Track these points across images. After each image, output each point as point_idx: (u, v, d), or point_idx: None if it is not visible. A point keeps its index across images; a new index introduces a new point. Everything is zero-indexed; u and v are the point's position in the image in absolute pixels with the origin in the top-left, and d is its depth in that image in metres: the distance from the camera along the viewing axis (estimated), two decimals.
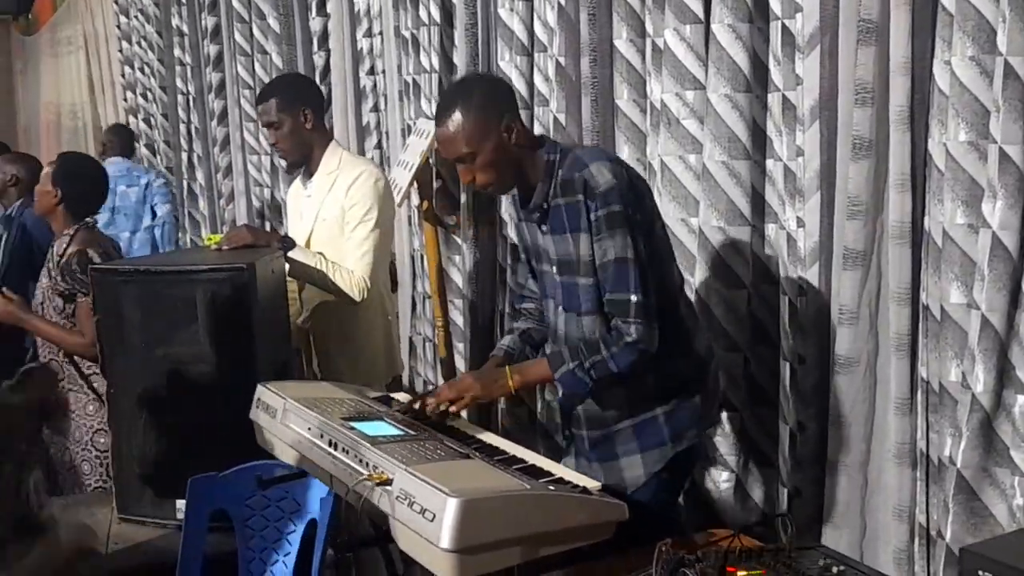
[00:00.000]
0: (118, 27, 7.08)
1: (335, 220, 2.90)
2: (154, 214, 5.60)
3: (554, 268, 2.16)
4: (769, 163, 2.73)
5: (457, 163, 2.12)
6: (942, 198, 2.27)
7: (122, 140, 5.81)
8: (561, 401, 2.26)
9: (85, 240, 3.01)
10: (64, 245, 2.98)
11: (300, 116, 2.89)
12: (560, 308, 2.19)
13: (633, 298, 2.02)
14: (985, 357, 2.18)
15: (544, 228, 2.15)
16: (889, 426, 2.45)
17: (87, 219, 3.09)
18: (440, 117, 2.10)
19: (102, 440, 2.91)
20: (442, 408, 2.13)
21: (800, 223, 2.56)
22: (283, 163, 3.74)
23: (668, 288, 2.17)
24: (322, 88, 4.61)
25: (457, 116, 2.06)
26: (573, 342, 2.16)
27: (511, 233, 3.44)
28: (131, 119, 6.99)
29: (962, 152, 2.21)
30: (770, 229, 2.77)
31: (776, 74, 2.64)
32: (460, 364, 3.78)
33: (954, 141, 2.21)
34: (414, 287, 4.19)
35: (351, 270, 2.86)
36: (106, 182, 3.26)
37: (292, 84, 3.15)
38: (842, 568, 1.69)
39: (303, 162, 3.02)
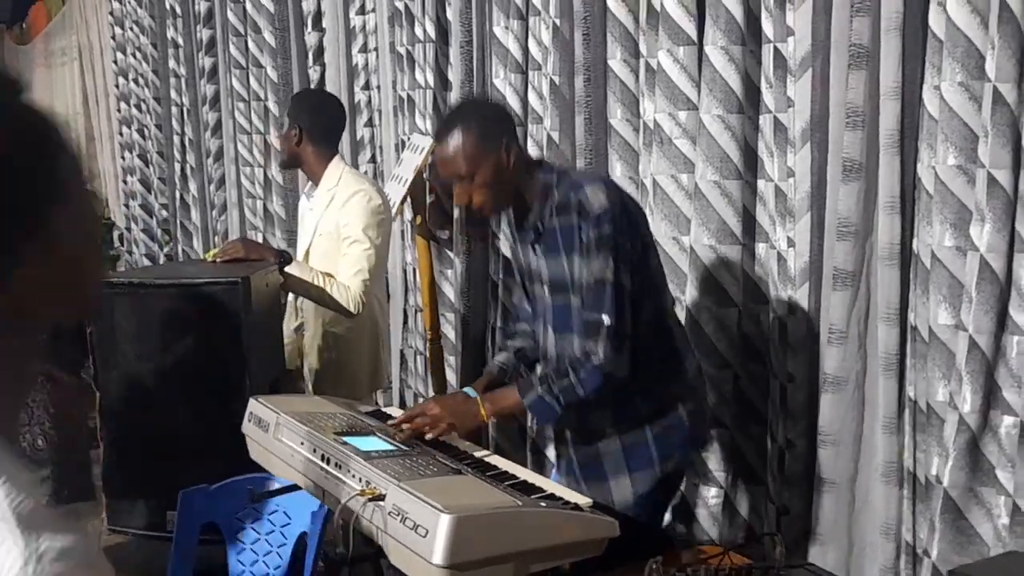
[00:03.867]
0: (113, 38, 7.09)
1: (331, 235, 2.93)
2: None
3: (546, 289, 2.18)
4: (760, 183, 2.76)
5: (454, 183, 2.14)
6: (931, 221, 2.30)
7: None
8: (535, 425, 2.27)
9: None
10: None
11: (292, 128, 2.97)
12: (551, 328, 2.21)
13: (605, 320, 2.03)
14: (972, 378, 2.20)
15: (538, 248, 2.17)
16: (877, 445, 2.47)
17: None
18: (440, 138, 2.12)
19: None
20: (425, 433, 2.13)
21: (791, 243, 2.59)
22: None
23: (661, 312, 2.18)
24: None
25: (457, 137, 2.08)
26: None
27: (504, 248, 3.46)
28: (124, 129, 6.99)
29: (951, 176, 2.24)
30: (761, 248, 2.79)
31: (768, 96, 2.67)
32: (451, 377, 3.79)
33: (943, 165, 2.25)
34: (406, 300, 4.20)
35: (347, 285, 2.88)
36: None
37: (305, 100, 3.27)
38: None
39: (290, 167, 3.27)
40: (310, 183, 3.10)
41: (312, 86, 4.76)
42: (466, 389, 2.33)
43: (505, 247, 3.44)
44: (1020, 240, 2.14)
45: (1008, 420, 2.20)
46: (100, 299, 0.99)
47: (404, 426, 2.11)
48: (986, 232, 2.16)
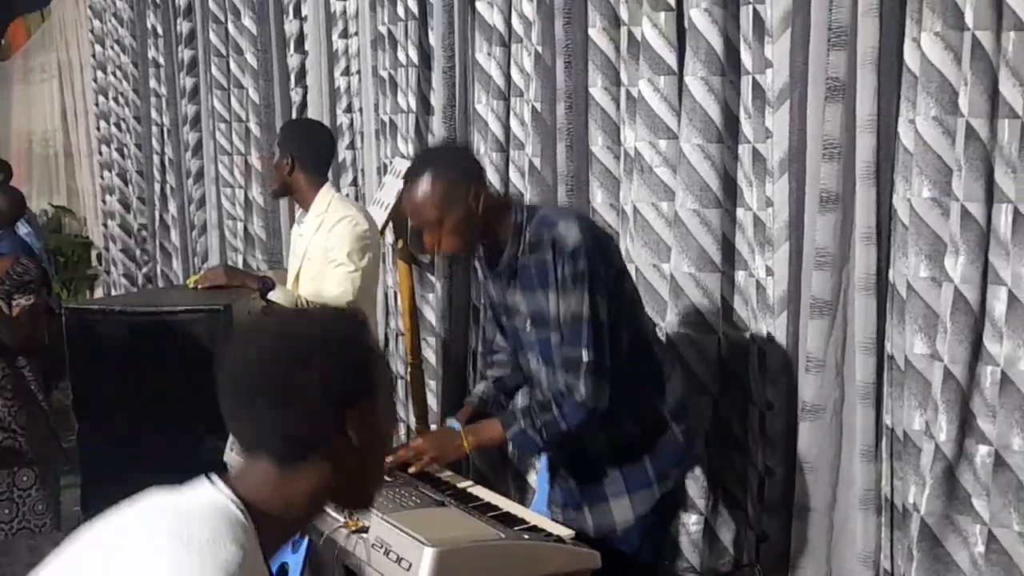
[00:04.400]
0: (93, 56, 7.06)
1: (319, 259, 2.96)
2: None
3: (527, 324, 2.21)
4: (739, 212, 2.79)
5: (423, 229, 2.15)
6: (906, 252, 2.34)
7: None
8: (517, 455, 2.29)
9: None
10: None
11: (284, 158, 2.99)
12: (540, 361, 2.23)
13: (585, 356, 2.06)
14: (948, 407, 2.24)
15: (514, 285, 2.19)
16: (855, 472, 2.50)
17: None
18: (409, 185, 2.14)
19: None
20: (411, 466, 2.15)
21: (769, 271, 2.62)
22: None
23: (640, 335, 2.21)
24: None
25: (425, 185, 2.10)
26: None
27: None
28: (104, 148, 6.96)
29: (926, 208, 2.28)
30: (740, 276, 2.82)
31: (747, 127, 2.71)
32: (432, 402, 3.79)
33: (918, 197, 2.29)
34: (387, 324, 4.20)
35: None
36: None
37: (296, 129, 3.34)
38: None
39: (281, 195, 3.26)
40: (301, 211, 3.12)
41: (294, 108, 4.77)
42: (449, 421, 2.34)
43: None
44: (993, 272, 2.18)
45: (983, 449, 2.24)
46: (374, 497, 1.27)
47: (388, 459, 2.11)
48: (960, 264, 2.19)
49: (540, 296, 2.12)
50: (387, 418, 1.21)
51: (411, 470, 2.10)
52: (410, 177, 2.15)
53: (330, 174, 4.51)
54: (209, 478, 1.14)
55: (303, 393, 1.11)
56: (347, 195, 4.43)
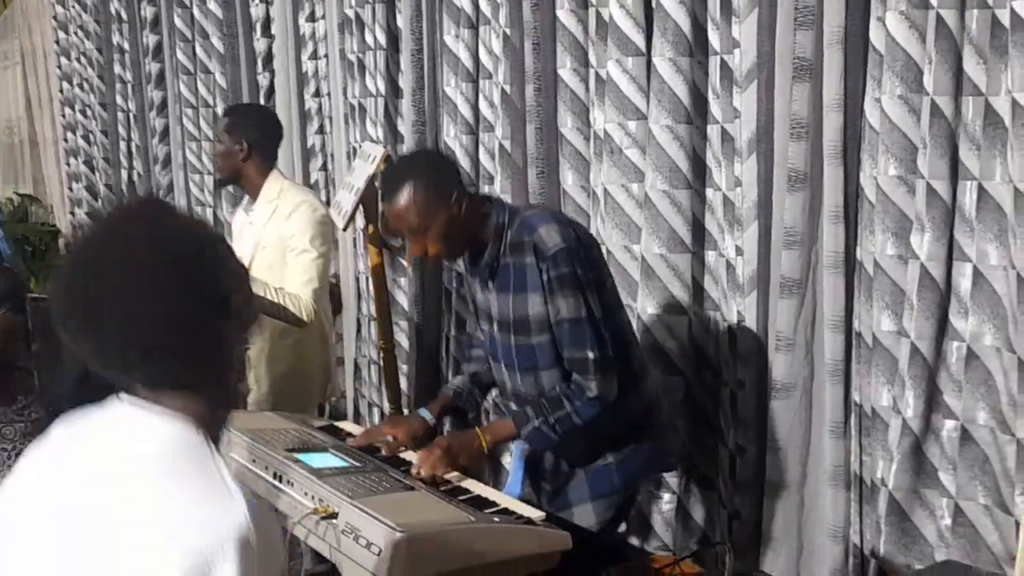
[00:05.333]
0: (56, 43, 6.93)
1: (275, 248, 2.91)
2: None
3: (495, 327, 2.21)
4: (709, 192, 2.80)
5: (408, 236, 2.14)
6: (873, 230, 2.35)
7: None
8: (528, 453, 2.28)
9: None
10: None
11: (237, 144, 2.92)
12: (503, 366, 2.24)
13: (591, 355, 2.08)
14: (914, 383, 2.26)
15: (490, 286, 2.19)
16: (824, 449, 2.52)
17: None
18: (389, 194, 2.12)
19: None
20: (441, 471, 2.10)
21: (739, 251, 2.63)
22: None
23: (621, 334, 2.21)
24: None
25: (407, 193, 2.08)
26: (524, 397, 2.21)
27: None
28: (69, 135, 6.85)
29: (892, 186, 2.29)
30: (710, 257, 2.83)
31: (715, 107, 2.71)
32: (405, 386, 3.78)
33: (884, 175, 2.30)
34: (359, 309, 4.18)
35: (298, 295, 2.86)
36: None
37: (246, 114, 3.20)
38: None
39: (229, 183, 3.16)
40: (247, 197, 3.07)
41: (262, 92, 4.72)
42: (420, 411, 2.33)
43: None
44: (958, 248, 2.20)
45: (949, 424, 2.26)
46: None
47: (423, 471, 2.06)
48: (926, 241, 2.21)
49: (516, 299, 2.13)
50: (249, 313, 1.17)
51: (424, 473, 2.03)
52: (388, 187, 2.13)
53: (298, 159, 4.51)
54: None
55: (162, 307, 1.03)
56: (316, 181, 4.40)
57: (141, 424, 1.07)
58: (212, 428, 1.12)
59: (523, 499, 2.05)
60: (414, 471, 2.05)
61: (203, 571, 0.95)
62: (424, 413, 2.32)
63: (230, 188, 4.98)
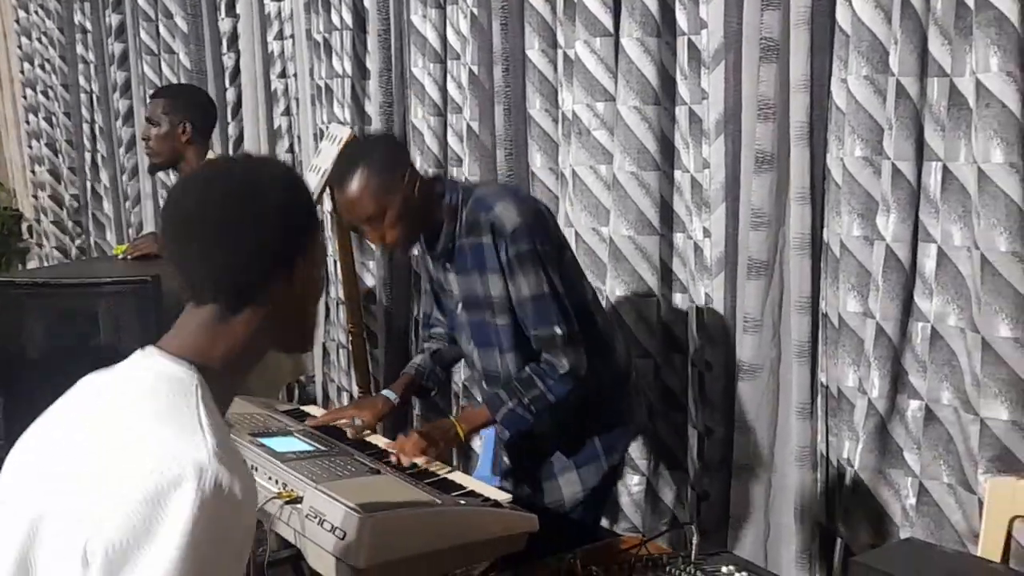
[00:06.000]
0: (16, 22, 6.78)
1: None
2: None
3: (460, 306, 2.19)
4: (677, 174, 2.79)
5: (365, 225, 2.08)
6: (840, 211, 2.36)
7: None
8: (507, 439, 2.28)
9: None
10: None
11: (179, 126, 2.86)
12: (473, 345, 2.23)
13: (558, 331, 2.07)
14: (880, 364, 2.27)
15: (449, 267, 2.17)
16: (791, 430, 2.53)
17: None
18: (342, 183, 2.05)
19: None
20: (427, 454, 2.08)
21: (706, 233, 2.62)
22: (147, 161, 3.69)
23: (583, 304, 2.20)
24: (231, 91, 4.54)
25: (359, 180, 2.02)
26: (494, 375, 2.20)
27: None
28: (31, 117, 6.73)
29: (858, 167, 2.29)
30: (678, 239, 2.83)
31: (683, 88, 2.70)
32: (373, 370, 3.76)
33: (850, 156, 2.30)
34: (327, 292, 4.14)
35: None
36: None
37: (186, 94, 3.14)
38: (744, 574, 1.74)
39: (165, 167, 3.09)
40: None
41: (227, 73, 4.65)
42: (384, 392, 2.32)
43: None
44: (923, 229, 2.21)
45: (914, 404, 2.28)
46: (311, 340, 1.33)
47: (401, 457, 2.04)
48: (891, 222, 2.22)
49: (475, 279, 2.11)
50: (321, 260, 1.31)
51: (405, 462, 2.01)
52: (339, 177, 2.07)
53: (264, 140, 4.45)
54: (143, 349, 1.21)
55: (246, 239, 1.17)
56: (284, 162, 4.35)
57: (142, 368, 1.19)
58: (286, 345, 1.27)
59: (498, 482, 2.05)
60: (393, 458, 2.03)
61: (160, 497, 1.04)
62: (388, 393, 2.30)
63: (160, 174, 4.93)
